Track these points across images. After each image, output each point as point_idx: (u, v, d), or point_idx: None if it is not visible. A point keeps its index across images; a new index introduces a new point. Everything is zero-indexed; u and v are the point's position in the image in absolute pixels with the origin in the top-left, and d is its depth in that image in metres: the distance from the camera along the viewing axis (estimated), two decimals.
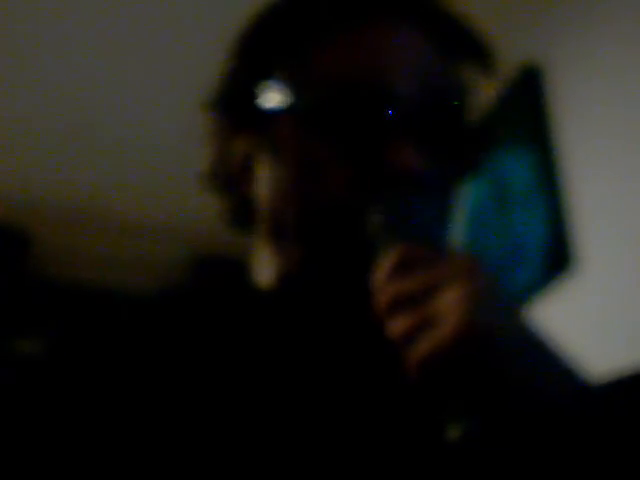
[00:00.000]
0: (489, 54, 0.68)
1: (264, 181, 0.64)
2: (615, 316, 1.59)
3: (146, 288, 0.75)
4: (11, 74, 2.29)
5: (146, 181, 2.66)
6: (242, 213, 0.68)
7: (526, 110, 1.90)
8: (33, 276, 2.79)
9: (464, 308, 0.46)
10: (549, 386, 0.47)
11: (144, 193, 2.73)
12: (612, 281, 1.62)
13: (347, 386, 0.59)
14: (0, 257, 2.74)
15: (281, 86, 0.63)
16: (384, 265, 0.51)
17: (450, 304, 0.47)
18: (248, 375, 0.58)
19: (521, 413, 0.46)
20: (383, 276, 0.51)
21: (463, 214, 2.03)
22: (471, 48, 0.68)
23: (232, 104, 0.67)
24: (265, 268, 0.65)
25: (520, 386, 0.46)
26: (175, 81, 2.29)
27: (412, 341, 0.47)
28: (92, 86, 2.33)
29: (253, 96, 0.65)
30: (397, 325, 0.49)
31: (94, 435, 0.54)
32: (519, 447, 0.47)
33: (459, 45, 0.67)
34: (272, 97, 0.63)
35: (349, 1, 0.65)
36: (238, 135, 0.67)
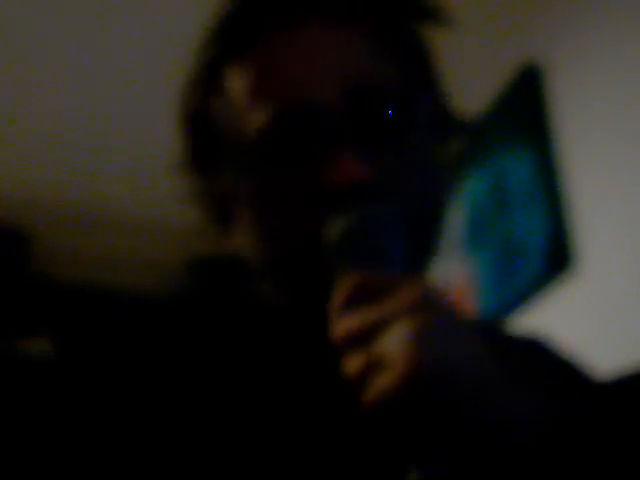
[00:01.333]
0: (434, 5, 0.63)
1: (241, 233, 0.62)
2: (615, 316, 1.59)
3: (146, 288, 0.75)
4: (11, 74, 2.29)
5: (146, 181, 2.66)
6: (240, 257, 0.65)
7: (526, 110, 1.90)
8: (33, 276, 2.79)
9: (412, 348, 0.43)
10: (514, 415, 0.44)
11: (144, 193, 2.73)
12: (612, 281, 1.62)
13: (309, 424, 0.56)
14: (0, 257, 2.74)
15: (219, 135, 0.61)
16: (336, 296, 0.49)
17: (397, 343, 0.44)
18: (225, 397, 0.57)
19: (480, 454, 0.43)
20: (336, 309, 0.48)
21: (463, 214, 2.03)
22: (414, 9, 0.63)
23: (197, 166, 0.66)
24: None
25: (476, 426, 0.43)
26: (178, 82, 2.28)
27: (364, 381, 0.45)
28: (93, 85, 2.33)
29: (210, 155, 0.64)
30: (350, 364, 0.46)
31: (95, 438, 0.54)
32: None
33: (400, 13, 0.63)
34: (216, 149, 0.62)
35: (247, 26, 0.62)
36: (210, 191, 0.66)
